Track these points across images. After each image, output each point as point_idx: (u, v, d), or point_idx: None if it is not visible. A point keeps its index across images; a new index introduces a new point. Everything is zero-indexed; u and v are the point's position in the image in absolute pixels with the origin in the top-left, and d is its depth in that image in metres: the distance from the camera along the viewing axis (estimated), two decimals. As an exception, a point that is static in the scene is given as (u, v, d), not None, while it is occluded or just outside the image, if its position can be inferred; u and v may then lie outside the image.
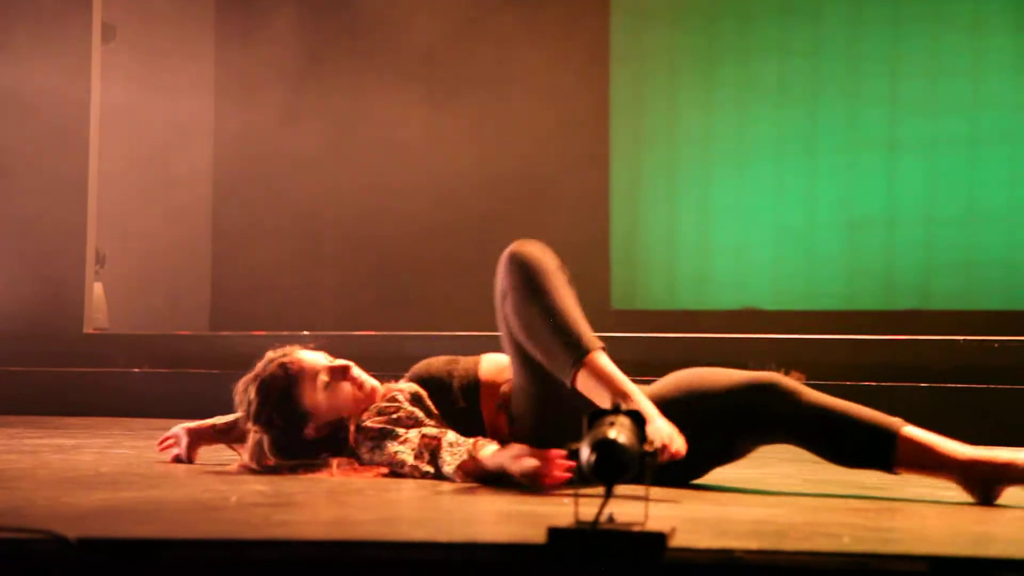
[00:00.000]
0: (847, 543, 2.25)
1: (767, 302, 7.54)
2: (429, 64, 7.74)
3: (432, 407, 3.39)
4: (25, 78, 6.85)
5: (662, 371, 5.95)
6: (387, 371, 6.31)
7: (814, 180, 7.49)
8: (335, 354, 3.53)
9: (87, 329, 6.74)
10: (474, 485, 3.05)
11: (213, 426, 3.67)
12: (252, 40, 7.94)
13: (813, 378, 5.64)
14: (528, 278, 3.21)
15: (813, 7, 7.56)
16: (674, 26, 7.75)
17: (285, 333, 6.70)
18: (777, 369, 5.68)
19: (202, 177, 8.15)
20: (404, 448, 3.25)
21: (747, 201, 7.62)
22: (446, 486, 3.08)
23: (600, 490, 2.14)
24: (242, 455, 3.47)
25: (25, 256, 6.72)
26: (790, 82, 7.54)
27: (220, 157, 8.15)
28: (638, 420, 2.32)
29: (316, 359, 3.45)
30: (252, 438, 3.43)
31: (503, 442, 3.21)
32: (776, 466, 3.80)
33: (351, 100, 7.77)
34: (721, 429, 3.15)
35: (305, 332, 6.61)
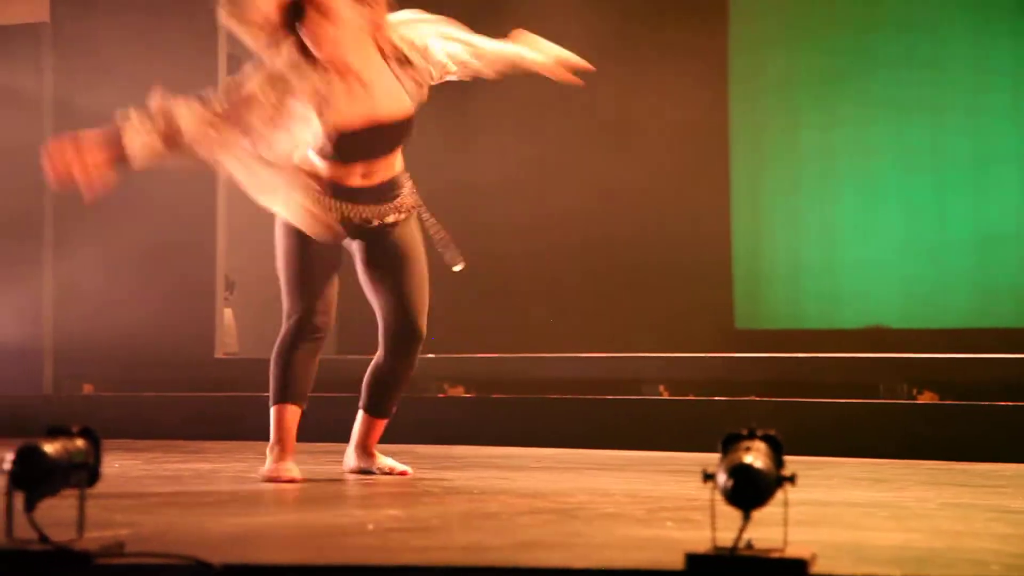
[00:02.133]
0: (996, 571, 2.19)
1: (895, 320, 7.42)
2: (549, 90, 7.74)
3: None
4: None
5: (787, 392, 5.94)
6: (509, 393, 6.37)
7: (941, 195, 7.37)
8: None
9: (218, 354, 6.86)
10: (611, 510, 3.06)
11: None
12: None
13: (945, 398, 5.54)
14: None
15: (933, 20, 7.45)
16: (792, 45, 7.68)
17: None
18: (908, 390, 5.59)
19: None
20: None
21: (872, 217, 7.52)
22: (581, 512, 3.08)
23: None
24: None
25: (158, 284, 6.86)
26: (913, 96, 7.42)
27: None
28: (774, 444, 2.30)
29: None
30: None
31: None
32: (913, 489, 3.74)
33: (474, 126, 7.81)
34: None
35: (430, 355, 6.67)
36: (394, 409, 4.24)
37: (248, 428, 6.17)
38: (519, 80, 7.70)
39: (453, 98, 7.92)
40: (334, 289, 4.07)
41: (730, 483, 2.14)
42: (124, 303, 6.86)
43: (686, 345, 6.57)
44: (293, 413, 4.03)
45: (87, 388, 6.92)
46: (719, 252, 7.63)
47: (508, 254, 7.71)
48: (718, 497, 2.14)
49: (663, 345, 6.58)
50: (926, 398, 5.55)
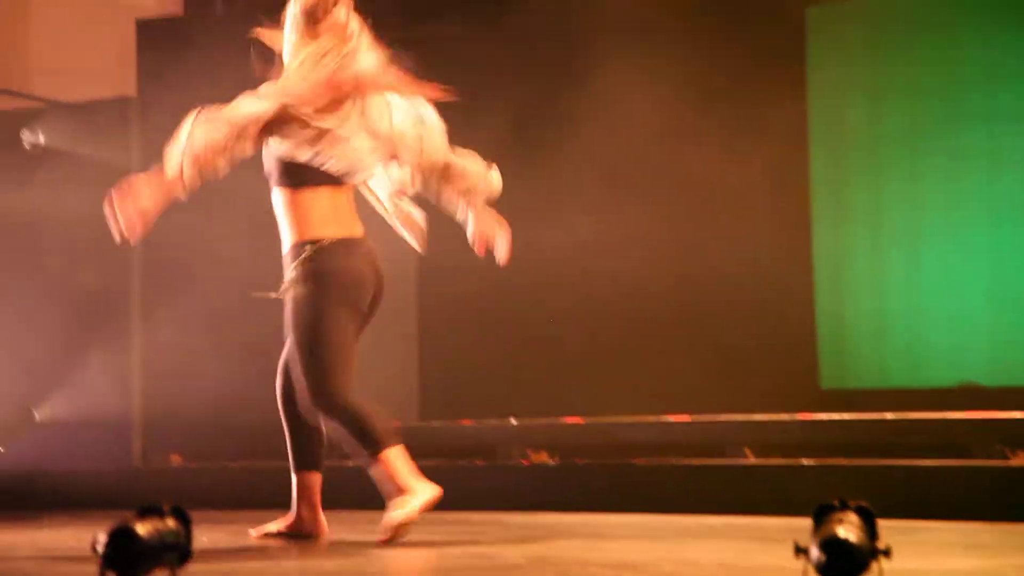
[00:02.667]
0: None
1: (985, 377, 7.28)
2: (629, 156, 7.75)
3: None
4: (234, 175, 7.08)
5: (875, 453, 5.85)
6: (593, 459, 6.33)
7: (1032, 245, 7.26)
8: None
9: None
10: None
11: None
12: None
13: (1040, 458, 5.44)
14: None
15: (1020, 71, 7.36)
16: (874, 99, 7.62)
17: (493, 421, 6.78)
18: (1001, 450, 5.49)
19: (408, 267, 8.30)
20: None
21: (960, 271, 7.40)
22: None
23: None
24: None
25: (241, 353, 6.91)
26: (1000, 147, 7.33)
27: (424, 254, 8.26)
28: (867, 515, 2.27)
29: None
30: None
31: None
32: (1010, 555, 3.66)
33: (556, 191, 7.82)
34: None
35: (513, 420, 6.67)
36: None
37: (332, 497, 6.19)
38: (600, 148, 7.76)
39: (538, 164, 7.98)
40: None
41: (823, 558, 2.12)
42: (209, 373, 6.93)
43: (771, 406, 6.51)
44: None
45: (175, 459, 7.00)
46: (802, 310, 7.54)
47: (590, 318, 7.70)
48: (811, 571, 2.11)
49: (747, 407, 6.52)
50: (1020, 459, 5.45)
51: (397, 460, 4.11)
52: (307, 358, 4.12)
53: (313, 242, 4.14)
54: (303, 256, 4.14)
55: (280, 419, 4.40)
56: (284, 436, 6.75)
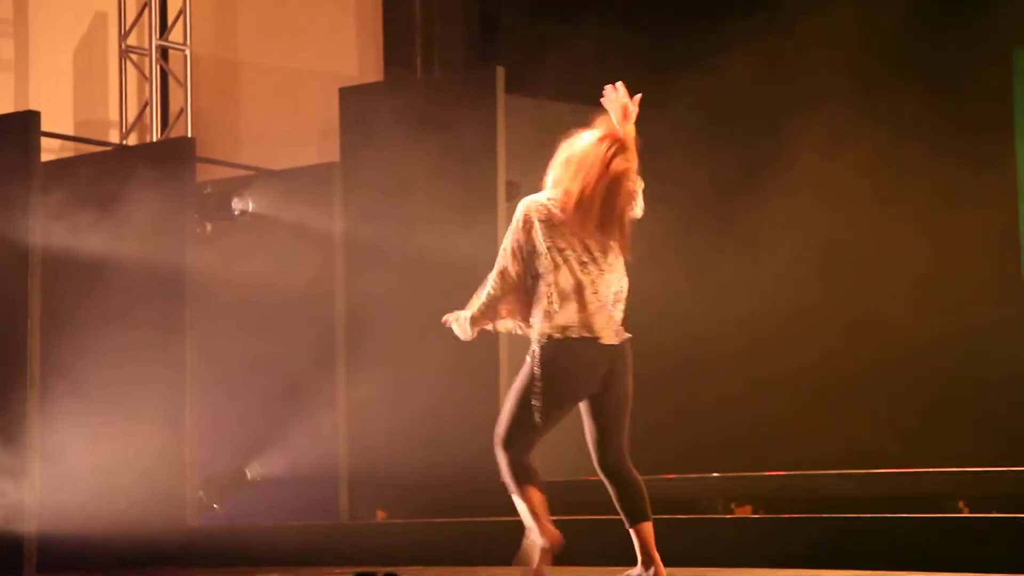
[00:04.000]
0: None
1: None
2: (833, 209, 7.62)
3: None
4: (435, 235, 7.21)
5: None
6: (799, 512, 6.19)
7: None
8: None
9: (503, 478, 6.91)
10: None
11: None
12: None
13: None
14: None
15: None
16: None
17: (696, 475, 6.69)
18: None
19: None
20: None
21: None
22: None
23: None
24: None
25: (443, 406, 7.00)
26: None
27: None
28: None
29: None
30: None
31: None
32: None
33: (771, 249, 7.71)
34: None
35: (715, 474, 6.58)
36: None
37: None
38: (801, 199, 7.65)
39: (735, 233, 7.93)
40: None
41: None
42: (414, 427, 7.03)
43: (985, 458, 6.28)
44: None
45: (380, 514, 7.09)
46: (1017, 355, 7.28)
47: (792, 369, 7.56)
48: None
49: (961, 458, 6.30)
50: None
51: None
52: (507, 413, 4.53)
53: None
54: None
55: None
56: (491, 492, 6.81)
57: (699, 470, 6.63)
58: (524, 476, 4.43)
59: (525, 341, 7.99)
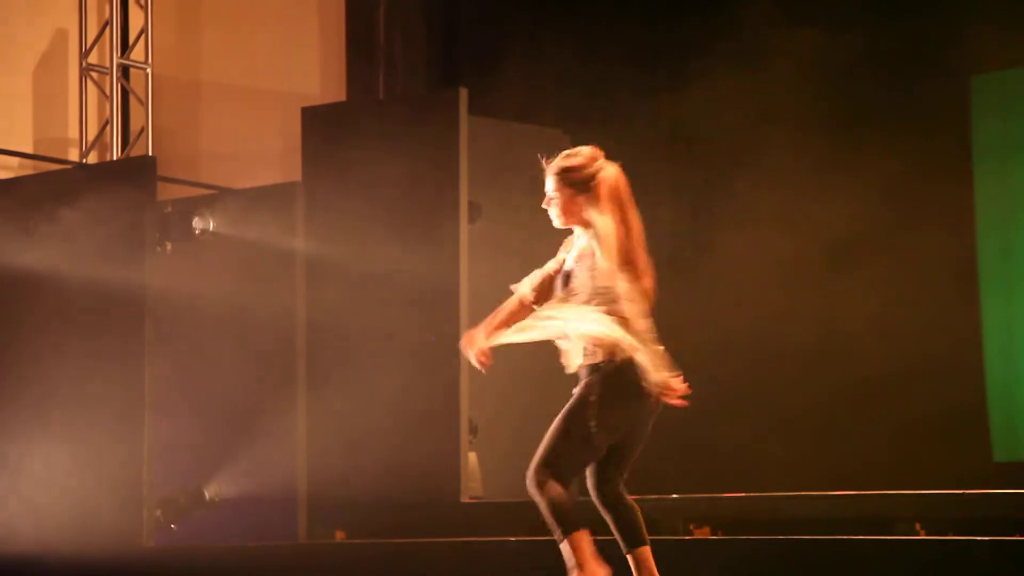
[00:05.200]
0: None
1: None
2: (792, 222, 7.68)
3: None
4: (396, 256, 7.21)
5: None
6: (758, 534, 6.21)
7: None
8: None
9: (464, 498, 6.92)
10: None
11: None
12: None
13: None
14: None
15: None
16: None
17: (654, 496, 6.70)
18: None
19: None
20: None
21: None
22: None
23: None
24: None
25: (404, 429, 6.99)
26: None
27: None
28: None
29: None
30: None
31: None
32: None
33: (734, 282, 7.74)
34: None
35: (674, 495, 6.60)
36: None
37: (494, 574, 6.18)
38: (764, 221, 7.68)
39: (695, 237, 7.96)
40: None
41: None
42: (372, 450, 7.01)
43: (942, 480, 6.31)
44: None
45: (339, 535, 7.07)
46: (973, 381, 7.35)
47: (750, 391, 7.60)
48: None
49: (917, 481, 6.34)
50: None
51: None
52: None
53: None
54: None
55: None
56: (450, 512, 6.82)
57: (658, 491, 6.64)
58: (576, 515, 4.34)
59: (502, 361, 8.00)
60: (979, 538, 5.56)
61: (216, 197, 8.15)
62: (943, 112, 7.54)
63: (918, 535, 5.88)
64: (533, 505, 6.88)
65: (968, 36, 7.33)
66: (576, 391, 4.38)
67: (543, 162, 4.40)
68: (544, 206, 4.41)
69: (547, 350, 8.36)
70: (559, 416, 4.39)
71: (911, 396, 7.25)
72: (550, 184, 4.37)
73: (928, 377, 7.21)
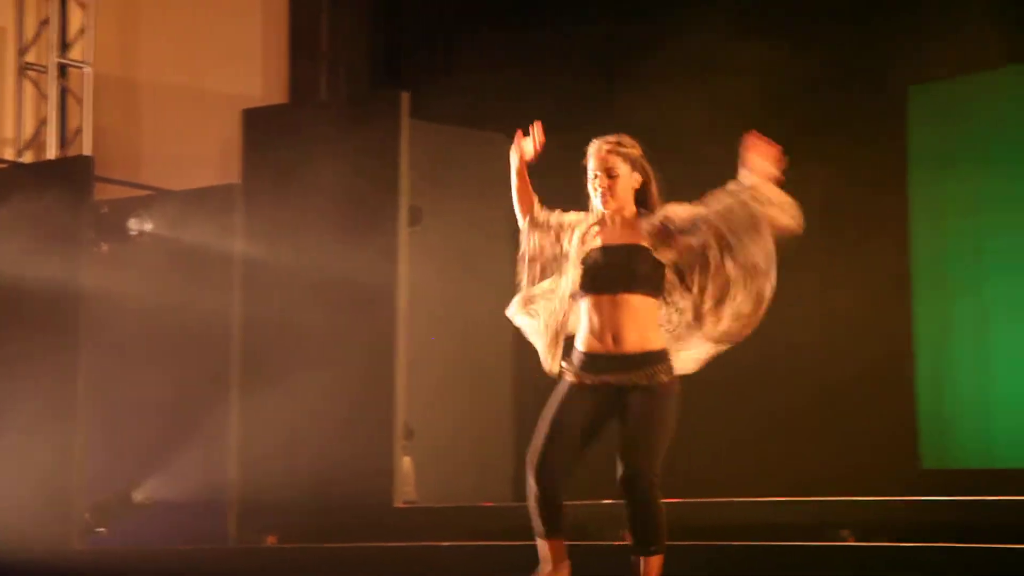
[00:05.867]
0: None
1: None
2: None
3: None
4: (336, 259, 7.18)
5: (979, 536, 5.66)
6: (687, 540, 6.23)
7: None
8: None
9: (397, 502, 6.89)
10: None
11: None
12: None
13: None
14: None
15: None
16: (976, 173, 7.48)
17: (590, 502, 6.70)
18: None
19: (505, 349, 8.30)
20: None
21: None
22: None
23: None
24: None
25: (336, 431, 6.96)
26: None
27: (520, 332, 8.26)
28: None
29: None
30: None
31: None
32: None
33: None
34: None
35: (606, 500, 6.59)
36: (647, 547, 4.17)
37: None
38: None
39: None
40: None
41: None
42: (305, 453, 6.98)
43: (871, 487, 6.35)
44: None
45: (270, 539, 7.02)
46: (903, 390, 7.40)
47: (683, 398, 7.61)
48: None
49: (847, 488, 6.37)
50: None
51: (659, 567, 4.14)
52: (660, 446, 4.21)
53: (666, 351, 4.28)
54: (670, 362, 4.28)
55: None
56: (384, 516, 6.79)
57: (591, 496, 6.64)
58: None
59: (425, 367, 7.98)
60: (908, 544, 5.60)
61: (154, 198, 8.09)
62: (880, 121, 7.60)
63: (847, 542, 5.91)
64: (464, 510, 6.90)
65: (906, 47, 7.39)
66: (645, 382, 4.24)
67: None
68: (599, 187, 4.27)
69: (480, 355, 8.36)
70: (644, 411, 4.26)
71: (842, 404, 7.30)
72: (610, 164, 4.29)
73: (860, 385, 7.26)
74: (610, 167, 4.29)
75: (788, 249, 7.47)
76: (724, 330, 4.30)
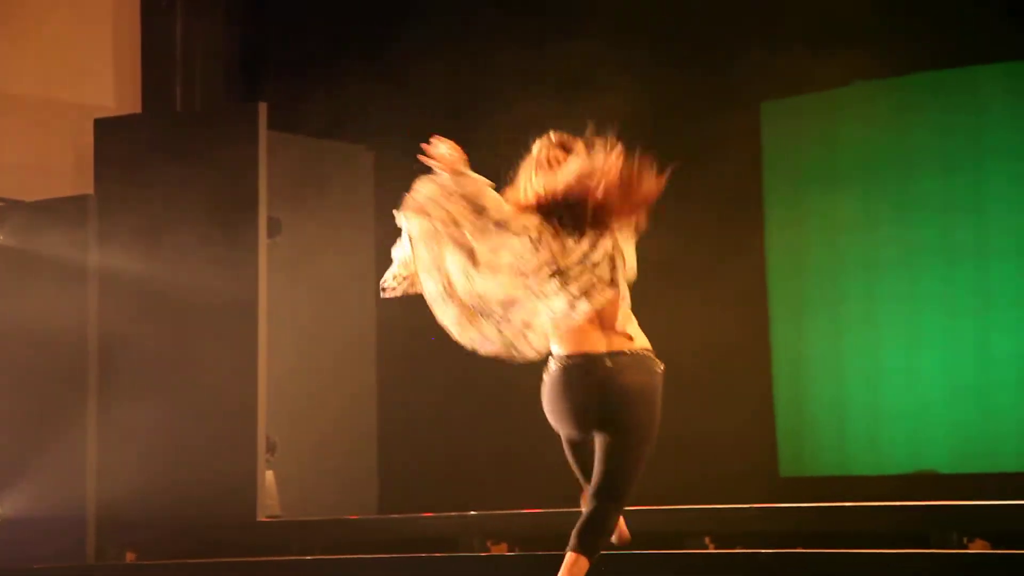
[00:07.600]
0: None
1: (944, 465, 7.29)
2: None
3: None
4: (194, 271, 7.10)
5: (834, 542, 5.81)
6: (553, 550, 6.28)
7: (987, 336, 7.27)
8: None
9: (260, 517, 6.83)
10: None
11: None
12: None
13: (999, 547, 5.41)
14: None
15: (975, 162, 7.41)
16: (831, 190, 7.66)
17: (453, 514, 6.73)
18: (959, 539, 5.46)
19: (367, 363, 8.28)
20: None
21: (917, 361, 7.42)
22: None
23: None
24: None
25: (197, 445, 6.88)
26: (956, 240, 7.35)
27: (384, 345, 8.25)
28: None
29: None
30: None
31: None
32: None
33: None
34: None
35: (472, 512, 6.62)
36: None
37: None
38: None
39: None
40: None
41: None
42: (165, 468, 6.88)
43: (730, 495, 6.47)
44: None
45: (130, 556, 6.91)
46: (761, 399, 7.55)
47: (542, 411, 7.67)
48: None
49: (706, 496, 6.49)
50: (978, 547, 5.42)
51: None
52: (641, 452, 4.17)
53: (651, 350, 4.17)
54: (655, 362, 4.17)
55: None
56: (246, 531, 6.72)
57: (457, 507, 6.66)
58: None
59: (287, 380, 7.90)
60: (766, 551, 5.72)
61: (3, 209, 7.89)
62: (734, 138, 7.73)
63: (708, 549, 6.01)
64: (327, 524, 6.86)
65: (757, 64, 7.54)
66: (630, 381, 4.09)
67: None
68: None
69: (344, 368, 8.30)
70: (636, 424, 4.17)
71: (701, 413, 7.42)
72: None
73: (718, 395, 7.39)
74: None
75: (647, 265, 7.62)
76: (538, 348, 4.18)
